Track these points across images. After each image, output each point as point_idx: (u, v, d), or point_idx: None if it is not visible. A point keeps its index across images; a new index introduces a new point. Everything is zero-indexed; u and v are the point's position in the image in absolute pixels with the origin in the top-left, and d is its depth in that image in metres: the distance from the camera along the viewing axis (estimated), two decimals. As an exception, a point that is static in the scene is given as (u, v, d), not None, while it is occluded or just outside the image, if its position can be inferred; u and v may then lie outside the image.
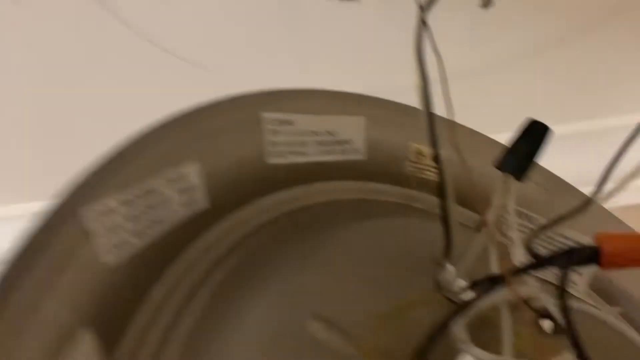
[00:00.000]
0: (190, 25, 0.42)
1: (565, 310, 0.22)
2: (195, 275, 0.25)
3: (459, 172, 0.37)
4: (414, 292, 0.27)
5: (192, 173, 0.24)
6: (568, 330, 0.22)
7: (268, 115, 0.29)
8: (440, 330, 0.21)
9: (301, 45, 0.44)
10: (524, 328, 0.30)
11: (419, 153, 0.37)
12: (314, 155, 0.31)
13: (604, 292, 0.38)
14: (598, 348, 0.33)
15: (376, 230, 0.31)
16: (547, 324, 0.32)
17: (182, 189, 0.23)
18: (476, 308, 0.24)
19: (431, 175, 0.38)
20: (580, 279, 0.38)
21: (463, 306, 0.23)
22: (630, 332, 0.32)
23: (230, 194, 0.27)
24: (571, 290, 0.37)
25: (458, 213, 0.37)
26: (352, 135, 0.34)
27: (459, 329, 0.22)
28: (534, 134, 0.28)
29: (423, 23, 0.29)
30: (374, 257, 0.29)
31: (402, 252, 0.30)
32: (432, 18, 0.27)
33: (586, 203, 0.36)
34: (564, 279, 0.23)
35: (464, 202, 0.37)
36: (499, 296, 0.25)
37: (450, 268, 0.30)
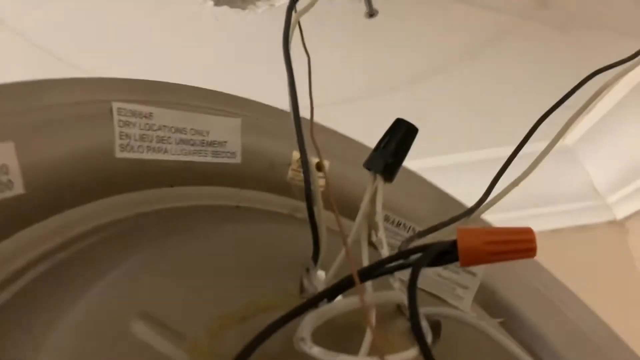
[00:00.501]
0: (66, 25, 0.39)
1: (412, 305, 0.20)
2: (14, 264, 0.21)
3: (339, 180, 0.36)
4: (269, 296, 0.24)
5: (4, 153, 0.20)
6: (412, 326, 0.20)
7: (120, 105, 0.26)
8: (268, 331, 0.19)
9: (180, 49, 0.43)
10: (393, 335, 0.29)
11: (299, 161, 0.36)
12: (177, 154, 0.29)
13: (488, 303, 0.38)
14: (475, 355, 0.33)
15: (242, 236, 0.29)
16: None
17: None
18: (328, 310, 0.22)
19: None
20: (466, 292, 0.37)
21: (303, 306, 0.21)
22: (507, 341, 0.31)
23: (66, 185, 0.24)
24: (456, 302, 0.36)
25: (332, 220, 0.36)
26: (227, 137, 0.32)
27: (303, 328, 0.20)
28: (400, 133, 0.28)
29: (290, 17, 0.28)
30: (233, 262, 0.26)
31: (268, 257, 0.28)
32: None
33: (463, 214, 0.36)
34: (414, 275, 0.22)
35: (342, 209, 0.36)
36: (349, 301, 0.23)
37: (318, 272, 0.28)
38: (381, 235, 0.27)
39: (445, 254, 0.24)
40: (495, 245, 0.23)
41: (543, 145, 0.34)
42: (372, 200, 0.28)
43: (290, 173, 0.36)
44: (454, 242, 0.24)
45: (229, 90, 0.33)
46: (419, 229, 0.38)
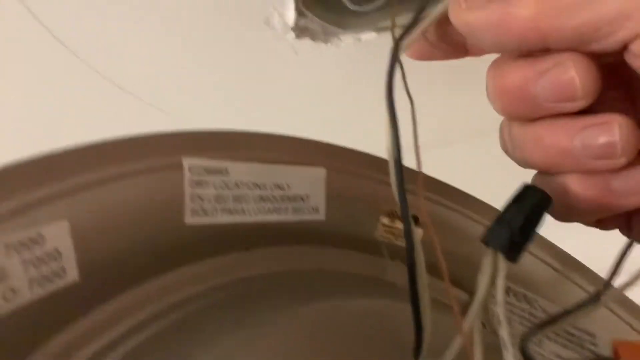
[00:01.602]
0: (149, 66, 0.37)
1: None
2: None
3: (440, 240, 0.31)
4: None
5: (56, 236, 0.17)
6: None
7: (192, 161, 0.23)
8: None
9: (262, 91, 0.39)
10: None
11: (393, 215, 0.31)
12: (255, 214, 0.25)
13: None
14: None
15: (330, 316, 0.24)
16: None
17: (37, 258, 0.16)
18: None
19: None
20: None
21: None
22: None
23: (126, 264, 0.20)
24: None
25: (436, 290, 0.30)
26: (310, 190, 0.28)
27: None
28: (530, 203, 0.22)
29: (395, 57, 0.23)
30: (322, 352, 0.22)
31: (361, 346, 0.23)
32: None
33: (597, 295, 0.29)
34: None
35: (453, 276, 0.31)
36: None
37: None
38: (504, 335, 0.21)
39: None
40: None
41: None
42: (491, 284, 0.22)
43: (380, 229, 0.31)
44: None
45: (309, 132, 0.29)
46: (531, 296, 0.32)
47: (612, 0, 0.16)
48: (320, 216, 0.28)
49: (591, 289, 0.32)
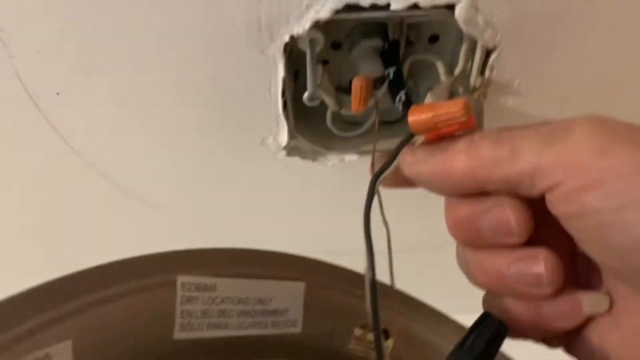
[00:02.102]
0: (143, 163, 0.39)
1: None
2: None
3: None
4: None
5: (61, 354, 0.18)
6: None
7: (184, 278, 0.24)
8: None
9: (254, 201, 0.42)
10: None
11: (366, 327, 0.33)
12: (237, 329, 0.26)
13: None
14: None
15: None
16: None
17: (40, 379, 0.18)
18: None
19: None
20: None
21: None
22: None
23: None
24: None
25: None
26: (289, 304, 0.29)
27: None
28: (490, 330, 0.24)
29: (372, 190, 0.26)
30: None
31: None
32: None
33: None
34: None
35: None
36: None
37: None
38: None
39: None
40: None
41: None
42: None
43: (353, 341, 0.32)
44: None
45: (295, 246, 0.31)
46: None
47: (529, 159, 0.19)
48: (297, 329, 0.29)
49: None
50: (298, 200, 0.42)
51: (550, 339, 0.24)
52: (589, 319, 0.21)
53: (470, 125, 0.25)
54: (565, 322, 0.22)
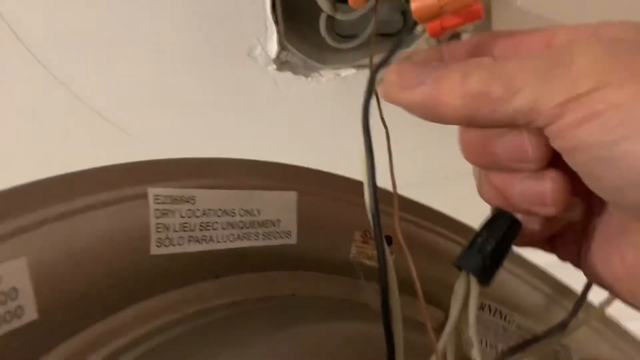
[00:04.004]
0: (122, 89, 0.36)
1: None
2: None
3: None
4: None
5: (13, 274, 0.17)
6: None
7: (157, 190, 0.22)
8: None
9: (242, 120, 0.39)
10: None
11: (366, 236, 0.31)
12: (224, 241, 0.25)
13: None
14: None
15: (302, 341, 0.24)
16: None
17: (-9, 299, 0.16)
18: None
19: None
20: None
21: None
22: None
23: (88, 298, 0.20)
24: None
25: (414, 309, 0.30)
26: (281, 215, 0.27)
27: None
28: (502, 227, 0.22)
29: (372, 85, 0.23)
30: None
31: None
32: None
33: (563, 323, 0.30)
34: None
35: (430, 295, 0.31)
36: None
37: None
38: (476, 356, 0.21)
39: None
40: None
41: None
42: (464, 307, 0.22)
43: (353, 250, 0.31)
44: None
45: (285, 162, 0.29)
46: (506, 312, 0.32)
47: (525, 98, 0.18)
48: (292, 240, 0.28)
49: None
50: (289, 120, 0.40)
51: (559, 252, 0.24)
52: (595, 242, 0.22)
53: (479, 14, 0.23)
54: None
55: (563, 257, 0.24)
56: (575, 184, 0.20)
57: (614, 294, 0.22)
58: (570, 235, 0.23)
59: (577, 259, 0.23)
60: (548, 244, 0.24)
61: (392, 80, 0.21)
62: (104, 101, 0.38)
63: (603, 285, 0.22)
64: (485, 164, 0.22)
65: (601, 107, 0.17)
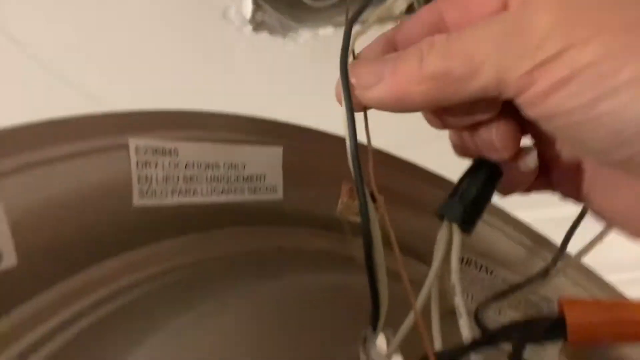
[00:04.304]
0: (82, 49, 0.35)
1: None
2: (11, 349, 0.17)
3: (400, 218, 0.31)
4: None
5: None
6: None
7: (138, 141, 0.22)
8: None
9: (219, 83, 0.38)
10: None
11: (352, 192, 0.31)
12: (209, 195, 0.25)
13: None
14: None
15: (286, 293, 0.24)
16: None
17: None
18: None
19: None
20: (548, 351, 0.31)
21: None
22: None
23: (71, 245, 0.20)
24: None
25: (396, 263, 0.31)
26: (266, 170, 0.27)
27: None
28: (483, 175, 0.22)
29: (348, 35, 0.23)
30: (276, 331, 0.22)
31: (317, 322, 0.23)
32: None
33: (546, 270, 0.30)
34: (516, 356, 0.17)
35: (407, 248, 0.31)
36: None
37: (379, 341, 0.23)
38: (459, 302, 0.22)
39: (549, 332, 0.19)
40: (611, 326, 0.18)
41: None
42: (446, 256, 0.23)
43: (339, 205, 0.31)
44: (559, 318, 0.18)
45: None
46: (491, 267, 0.33)
47: (487, 73, 0.17)
48: (278, 196, 0.28)
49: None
50: (267, 83, 0.39)
51: (561, 192, 0.24)
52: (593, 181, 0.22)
53: None
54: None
55: (565, 195, 0.24)
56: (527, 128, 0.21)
57: (620, 229, 0.22)
58: (567, 175, 0.23)
59: (579, 196, 0.23)
60: (549, 185, 0.24)
61: (352, 85, 0.20)
62: (69, 63, 0.37)
63: (608, 221, 0.22)
64: (444, 126, 0.22)
65: (568, 71, 0.16)
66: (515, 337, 0.19)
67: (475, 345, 0.19)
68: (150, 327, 0.19)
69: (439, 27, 0.21)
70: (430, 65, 0.18)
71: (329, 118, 0.26)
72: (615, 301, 0.19)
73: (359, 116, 0.22)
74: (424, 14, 0.22)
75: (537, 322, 0.19)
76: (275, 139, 0.27)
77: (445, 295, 0.25)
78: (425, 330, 0.20)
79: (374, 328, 0.23)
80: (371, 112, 0.22)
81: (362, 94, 0.20)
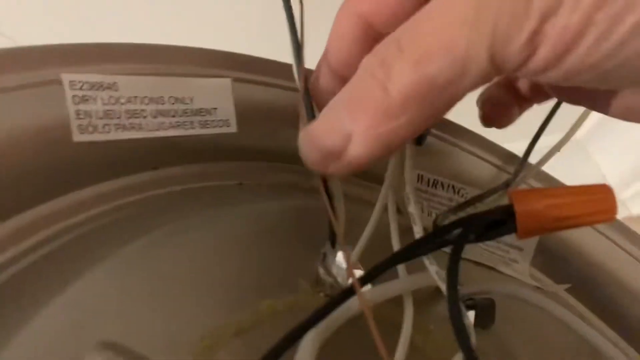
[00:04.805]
0: None
1: (452, 297, 0.15)
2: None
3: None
4: (273, 297, 0.19)
5: None
6: (452, 321, 0.15)
7: (72, 76, 0.21)
8: (276, 351, 0.14)
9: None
10: (436, 324, 0.24)
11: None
12: (155, 130, 0.24)
13: (551, 264, 0.32)
14: (533, 338, 0.27)
15: (244, 220, 0.24)
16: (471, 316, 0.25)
17: None
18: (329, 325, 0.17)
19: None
20: (521, 255, 0.32)
21: (325, 308, 0.16)
22: (571, 317, 0.25)
23: (9, 186, 0.19)
24: (509, 270, 0.31)
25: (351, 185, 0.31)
26: (216, 103, 0.27)
27: (306, 348, 0.15)
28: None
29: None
30: (234, 255, 0.21)
31: (273, 246, 0.23)
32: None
33: (506, 182, 0.30)
34: (454, 259, 0.17)
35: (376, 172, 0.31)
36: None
37: (338, 257, 0.23)
38: (412, 210, 0.21)
39: (496, 225, 0.19)
40: (561, 208, 0.18)
41: (556, 138, 0.30)
42: (399, 168, 0.22)
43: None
44: (507, 208, 0.18)
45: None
46: (459, 186, 0.33)
47: (479, 56, 0.14)
48: (232, 129, 0.27)
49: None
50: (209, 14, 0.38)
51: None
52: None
53: None
54: None
55: (575, 103, 0.21)
56: None
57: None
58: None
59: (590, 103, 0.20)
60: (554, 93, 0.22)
61: (310, 157, 0.16)
62: None
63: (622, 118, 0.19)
64: None
65: (578, 19, 0.12)
66: (455, 235, 0.18)
67: (422, 242, 0.19)
68: (98, 258, 0.19)
69: (368, 34, 0.17)
70: (399, 84, 0.14)
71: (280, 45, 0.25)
72: (566, 187, 0.19)
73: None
74: (342, 23, 0.18)
75: (484, 215, 0.19)
76: (224, 71, 0.27)
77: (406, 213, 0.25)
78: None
79: (332, 244, 0.23)
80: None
81: (335, 165, 0.16)
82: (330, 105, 0.16)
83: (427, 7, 0.14)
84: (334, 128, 0.15)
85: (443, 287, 0.18)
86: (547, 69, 0.14)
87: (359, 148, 0.15)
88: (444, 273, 0.18)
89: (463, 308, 0.15)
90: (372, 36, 0.17)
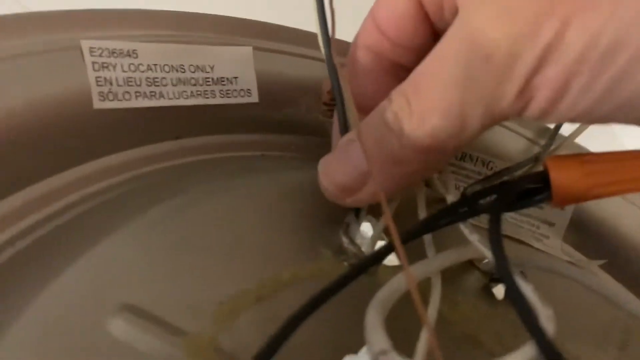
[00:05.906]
0: None
1: (501, 264, 0.14)
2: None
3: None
4: (295, 264, 0.19)
5: None
6: (509, 291, 0.14)
7: (92, 43, 0.21)
8: (300, 316, 0.14)
9: None
10: (464, 296, 0.23)
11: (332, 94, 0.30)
12: (176, 98, 0.24)
13: (586, 240, 0.31)
14: (569, 311, 0.26)
15: (265, 189, 0.23)
16: (498, 290, 0.24)
17: None
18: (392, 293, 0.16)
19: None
20: (552, 230, 0.31)
21: (348, 275, 0.16)
22: (607, 290, 0.24)
23: (29, 153, 0.19)
24: (540, 245, 0.30)
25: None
26: (237, 72, 0.26)
27: (375, 335, 0.14)
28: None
29: None
30: (249, 225, 0.21)
31: (296, 215, 0.22)
32: None
33: (536, 156, 0.29)
34: (494, 223, 0.16)
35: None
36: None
37: (362, 227, 0.23)
38: (446, 177, 0.21)
39: (532, 193, 0.18)
40: (600, 175, 0.17)
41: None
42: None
43: (322, 107, 0.30)
44: (542, 175, 0.17)
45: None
46: (488, 159, 0.32)
47: (475, 112, 0.15)
48: (253, 99, 0.27)
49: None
50: None
51: None
52: None
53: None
54: None
55: None
56: None
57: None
58: None
59: None
60: None
61: (327, 190, 0.19)
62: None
63: None
64: None
65: (564, 68, 0.13)
66: (492, 201, 0.18)
67: (454, 208, 0.18)
68: (120, 223, 0.19)
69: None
70: (411, 139, 0.16)
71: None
72: (604, 153, 0.17)
73: None
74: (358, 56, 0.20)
75: (517, 182, 0.18)
76: (246, 39, 0.26)
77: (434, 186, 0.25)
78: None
79: (357, 215, 0.22)
80: None
81: (352, 199, 0.19)
82: (347, 144, 0.18)
83: (425, 62, 0.15)
84: (351, 167, 0.18)
85: (489, 255, 0.18)
86: (547, 115, 0.14)
87: (374, 186, 0.17)
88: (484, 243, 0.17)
89: (520, 280, 0.14)
90: (386, 66, 0.19)
